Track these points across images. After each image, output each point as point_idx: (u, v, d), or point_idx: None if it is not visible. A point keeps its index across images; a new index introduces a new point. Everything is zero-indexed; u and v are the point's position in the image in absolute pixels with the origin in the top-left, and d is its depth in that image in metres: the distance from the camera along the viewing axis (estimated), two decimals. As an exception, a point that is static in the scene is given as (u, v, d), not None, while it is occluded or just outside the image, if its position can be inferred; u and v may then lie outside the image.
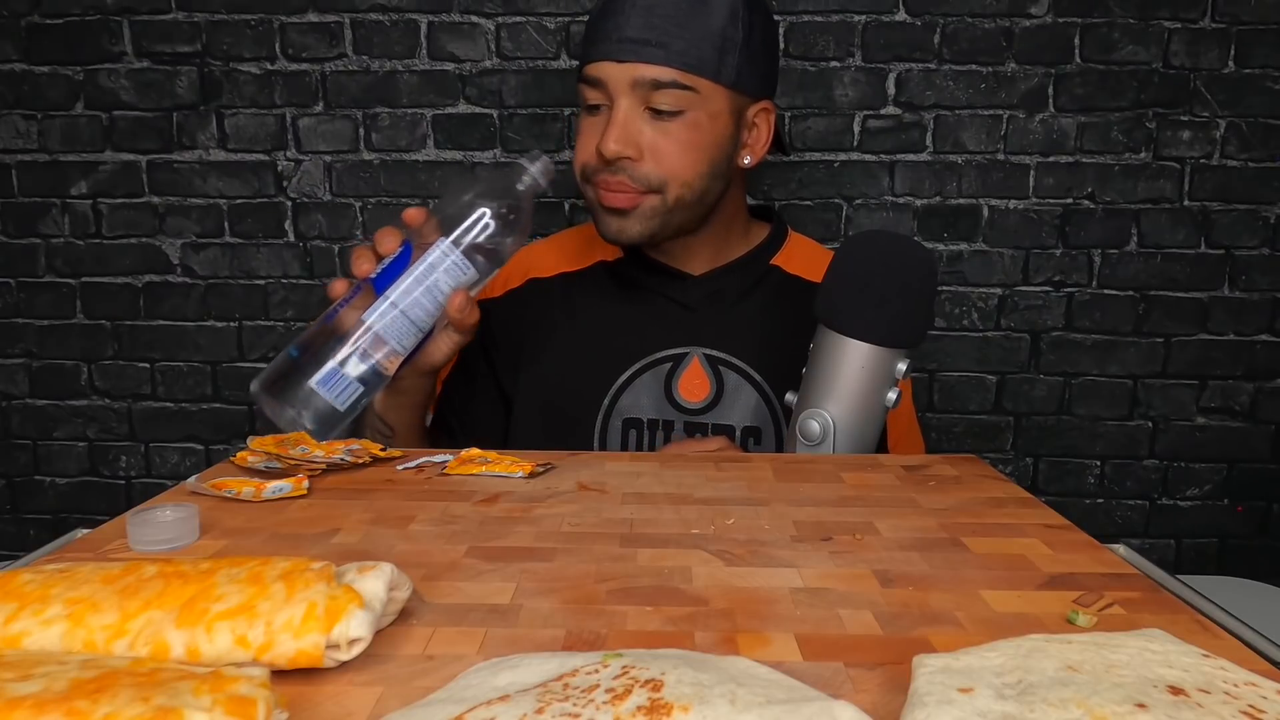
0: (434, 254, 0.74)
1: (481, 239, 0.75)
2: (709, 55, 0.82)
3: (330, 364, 0.71)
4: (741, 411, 0.91)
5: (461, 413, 0.96)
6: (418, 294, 0.73)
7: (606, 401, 0.91)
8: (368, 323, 0.72)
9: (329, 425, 0.73)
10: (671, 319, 0.93)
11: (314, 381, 0.71)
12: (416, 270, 0.73)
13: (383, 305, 0.73)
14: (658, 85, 0.82)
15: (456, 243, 0.74)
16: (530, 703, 0.31)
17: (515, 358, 0.94)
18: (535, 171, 0.79)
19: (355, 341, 0.72)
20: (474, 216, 0.75)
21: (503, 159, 1.49)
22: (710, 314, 0.93)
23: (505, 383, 0.95)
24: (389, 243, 0.75)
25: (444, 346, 0.80)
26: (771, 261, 0.97)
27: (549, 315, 0.95)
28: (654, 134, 0.84)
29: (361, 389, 0.73)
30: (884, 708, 0.34)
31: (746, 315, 0.94)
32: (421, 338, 0.76)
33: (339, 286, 0.75)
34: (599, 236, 0.97)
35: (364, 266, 0.74)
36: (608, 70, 0.83)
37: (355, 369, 0.72)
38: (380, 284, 0.73)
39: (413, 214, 0.75)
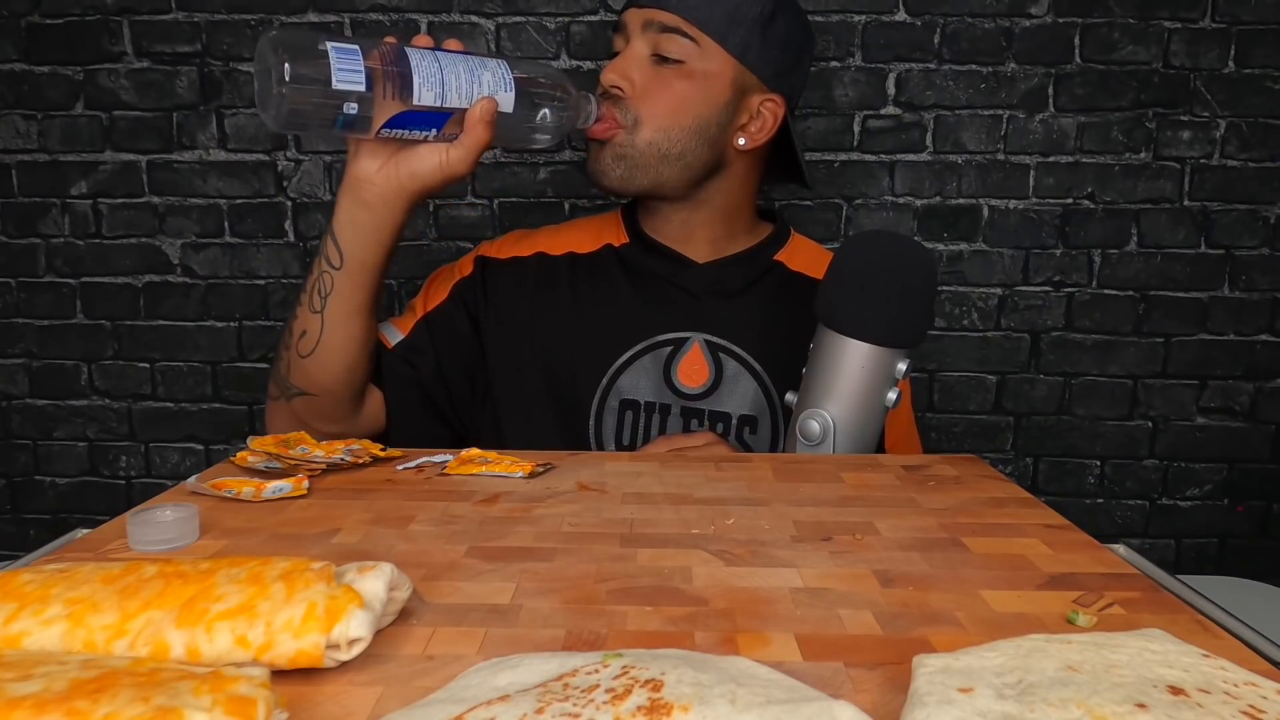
0: (490, 60, 0.75)
1: (533, 99, 0.77)
2: (718, 17, 0.87)
3: (353, 43, 0.67)
4: (739, 399, 0.92)
5: (438, 349, 0.92)
6: (460, 66, 0.72)
7: (605, 381, 0.92)
8: (404, 49, 0.70)
9: (310, 103, 0.66)
10: (675, 304, 0.94)
11: (329, 41, 0.66)
12: (470, 56, 0.74)
13: (425, 49, 0.72)
14: (664, 28, 0.87)
15: (516, 73, 0.76)
16: (530, 703, 0.31)
17: (509, 325, 0.94)
18: (590, 110, 0.84)
19: (385, 48, 0.69)
20: (543, 83, 0.78)
21: (502, 159, 1.49)
22: (713, 302, 0.94)
23: (490, 346, 0.94)
24: (454, 44, 0.76)
25: (435, 157, 0.74)
26: (775, 257, 0.98)
27: (553, 291, 0.96)
28: (651, 75, 0.88)
29: (362, 87, 0.67)
30: (884, 708, 0.33)
31: (749, 306, 0.95)
32: (438, 105, 0.71)
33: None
34: (609, 224, 0.99)
35: (424, 40, 0.74)
36: (629, 14, 0.89)
37: (371, 63, 0.67)
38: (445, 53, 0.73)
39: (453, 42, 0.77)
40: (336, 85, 0.66)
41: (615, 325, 0.93)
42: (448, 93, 0.72)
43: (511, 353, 0.94)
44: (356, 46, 0.68)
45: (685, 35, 0.87)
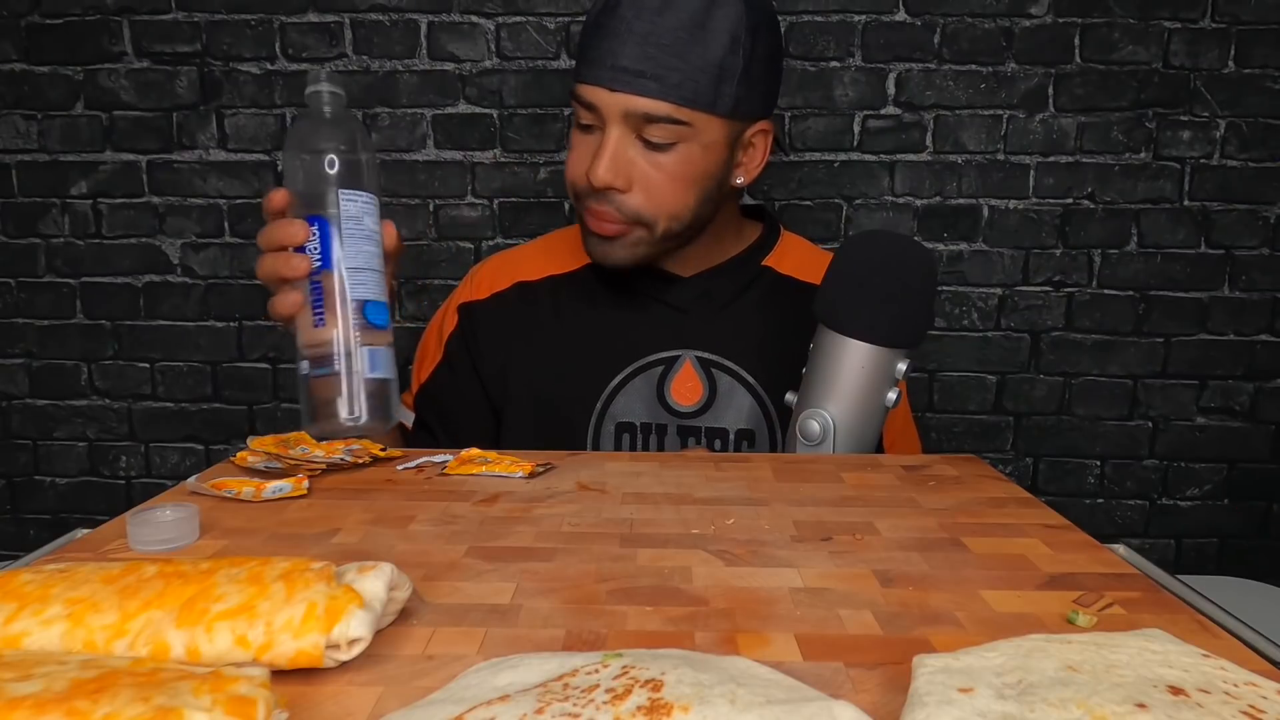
0: (347, 207, 0.69)
1: (340, 162, 0.70)
2: (705, 87, 0.79)
3: (365, 348, 0.68)
4: (735, 414, 0.90)
5: (444, 416, 0.95)
6: (367, 247, 0.70)
7: (599, 406, 0.91)
8: (349, 298, 0.68)
9: (390, 400, 0.70)
10: (662, 322, 0.92)
11: (367, 372, 0.68)
12: (349, 231, 0.69)
13: (350, 277, 0.69)
14: (650, 119, 0.79)
15: (348, 185, 0.69)
16: (530, 703, 0.31)
17: (502, 362, 0.93)
18: (324, 89, 0.72)
19: (355, 318, 0.68)
20: (326, 161, 0.69)
21: (502, 159, 1.49)
22: (702, 316, 0.92)
23: (491, 387, 0.94)
24: (299, 232, 0.68)
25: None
26: (763, 262, 0.96)
27: (537, 319, 0.94)
28: (645, 165, 0.81)
29: (390, 347, 0.71)
30: (884, 708, 0.33)
31: (738, 317, 0.93)
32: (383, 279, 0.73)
33: (288, 303, 0.69)
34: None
35: (301, 267, 0.68)
36: (601, 97, 0.80)
37: (375, 339, 0.69)
38: (325, 264, 0.69)
39: (279, 198, 0.69)
40: (393, 375, 0.70)
41: (604, 350, 0.92)
42: (379, 267, 0.71)
43: (505, 387, 0.93)
44: (368, 345, 0.69)
45: (674, 121, 0.79)
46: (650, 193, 0.82)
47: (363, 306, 0.69)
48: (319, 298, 0.69)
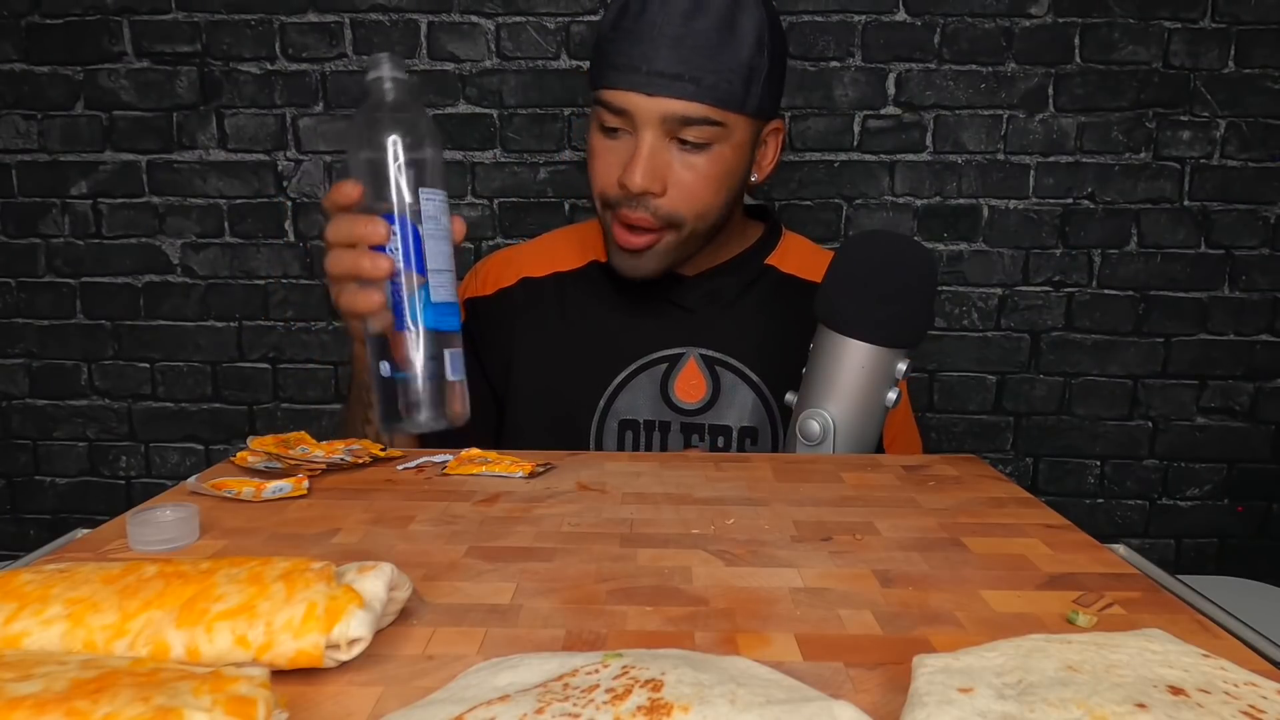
0: (427, 206, 0.68)
1: (417, 160, 0.68)
2: (737, 87, 0.81)
3: (447, 350, 0.68)
4: (738, 412, 0.91)
5: None
6: (444, 247, 0.68)
7: (602, 402, 0.91)
8: (431, 300, 0.67)
9: (466, 400, 0.70)
10: (668, 319, 0.93)
11: (450, 375, 0.68)
12: (429, 231, 0.68)
13: (432, 279, 0.67)
14: (688, 121, 0.80)
15: (425, 183, 0.68)
16: (530, 703, 0.31)
17: (506, 357, 0.94)
18: (387, 73, 0.69)
19: (436, 321, 0.68)
20: (405, 157, 0.67)
21: (502, 159, 1.49)
22: (707, 314, 0.93)
23: (496, 382, 0.94)
24: (380, 230, 0.66)
25: None
26: (766, 261, 0.96)
27: (543, 315, 0.94)
28: (679, 167, 0.82)
29: (461, 347, 0.70)
30: (884, 708, 0.33)
31: (743, 315, 0.94)
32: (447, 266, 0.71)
33: (366, 301, 0.67)
34: (592, 236, 0.96)
35: (384, 267, 0.66)
36: (635, 102, 0.80)
37: (453, 341, 0.69)
38: (407, 264, 0.67)
39: (352, 192, 0.66)
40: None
41: (609, 346, 0.92)
42: (452, 265, 0.69)
43: (509, 382, 0.94)
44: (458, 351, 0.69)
45: (710, 122, 0.80)
46: (684, 194, 0.83)
47: (441, 309, 0.68)
48: (399, 299, 0.67)
